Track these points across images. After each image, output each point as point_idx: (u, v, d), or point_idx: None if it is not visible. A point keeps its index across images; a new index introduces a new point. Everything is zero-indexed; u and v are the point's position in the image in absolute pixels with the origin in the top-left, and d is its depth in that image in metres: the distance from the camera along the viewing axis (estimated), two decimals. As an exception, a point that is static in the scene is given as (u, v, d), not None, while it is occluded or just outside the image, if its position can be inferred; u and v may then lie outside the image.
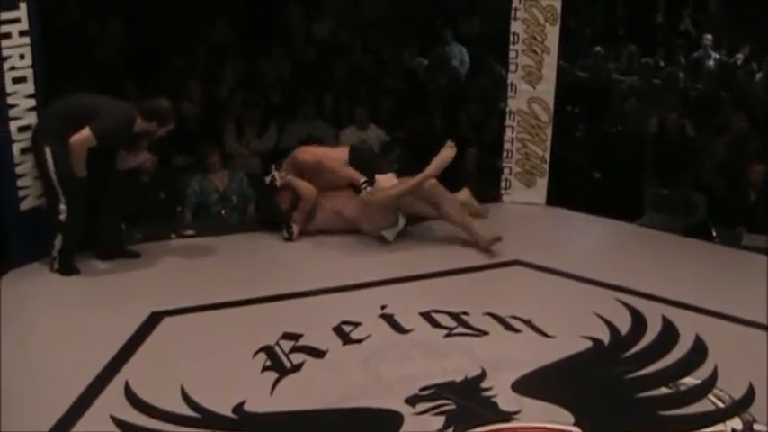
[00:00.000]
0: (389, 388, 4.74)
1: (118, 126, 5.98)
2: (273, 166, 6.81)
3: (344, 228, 6.80)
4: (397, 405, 4.57)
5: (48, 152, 5.88)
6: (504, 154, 7.59)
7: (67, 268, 6.10)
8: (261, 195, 7.12)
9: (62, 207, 5.99)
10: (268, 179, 6.76)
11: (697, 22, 13.52)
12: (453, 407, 4.57)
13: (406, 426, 4.42)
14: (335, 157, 6.83)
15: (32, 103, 6.04)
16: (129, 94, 8.71)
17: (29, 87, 5.99)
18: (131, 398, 4.62)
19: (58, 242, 6.06)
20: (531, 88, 7.40)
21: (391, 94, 9.81)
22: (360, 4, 12.60)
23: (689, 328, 5.40)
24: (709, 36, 12.12)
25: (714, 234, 7.18)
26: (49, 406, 4.52)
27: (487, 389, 4.74)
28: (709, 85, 10.52)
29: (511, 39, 7.38)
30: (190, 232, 6.91)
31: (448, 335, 5.37)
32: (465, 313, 5.59)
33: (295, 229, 6.73)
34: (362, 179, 6.57)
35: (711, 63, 11.76)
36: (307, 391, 4.73)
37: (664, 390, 4.78)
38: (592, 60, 11.56)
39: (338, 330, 5.38)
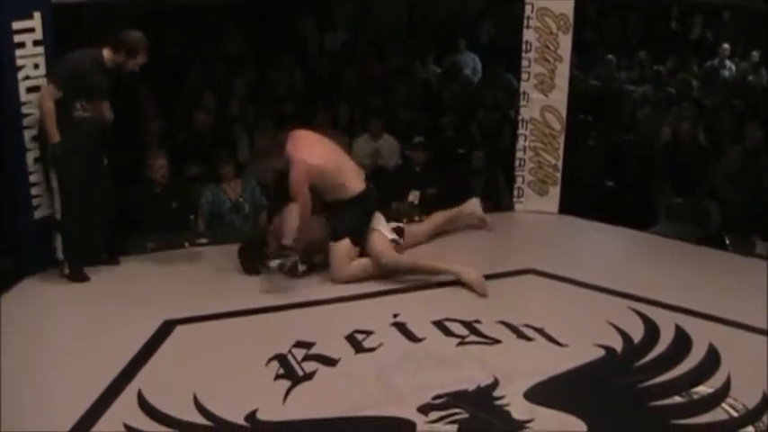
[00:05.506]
0: (402, 396, 4.75)
1: (77, 67, 5.90)
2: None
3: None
4: (410, 414, 4.58)
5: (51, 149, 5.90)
6: (517, 162, 7.57)
7: (77, 274, 6.12)
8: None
9: (57, 204, 6.00)
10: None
11: (712, 28, 13.45)
12: (466, 416, 4.58)
13: (418, 434, 4.43)
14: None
15: (46, 112, 6.06)
16: (144, 105, 8.77)
17: (43, 97, 6.01)
18: (144, 406, 4.64)
19: (58, 242, 6.09)
20: (544, 97, 7.39)
21: (405, 104, 9.81)
22: (372, 13, 12.60)
23: (702, 336, 5.40)
24: (726, 45, 12.05)
25: (727, 242, 7.15)
26: (63, 414, 4.55)
27: (500, 397, 4.75)
28: (724, 94, 10.49)
29: (523, 47, 7.37)
30: (203, 241, 6.93)
31: (460, 343, 5.37)
32: (477, 322, 5.59)
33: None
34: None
35: (726, 72, 11.71)
36: (319, 399, 4.74)
37: (677, 399, 4.78)
38: (604, 69, 11.53)
39: (351, 339, 5.39)
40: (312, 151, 6.20)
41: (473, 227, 7.08)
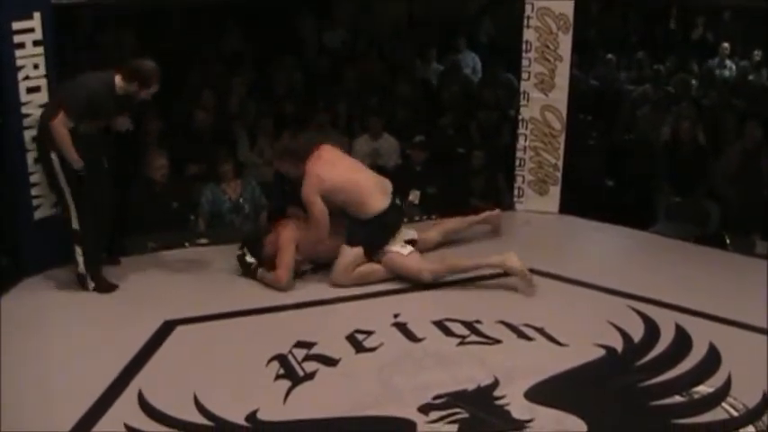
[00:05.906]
0: (402, 397, 4.75)
1: (91, 95, 5.78)
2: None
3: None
4: (410, 414, 4.58)
5: (54, 156, 5.80)
6: (517, 162, 7.57)
7: (103, 284, 6.06)
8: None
9: (73, 214, 5.93)
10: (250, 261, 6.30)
11: (712, 28, 13.45)
12: (466, 416, 4.58)
13: (418, 434, 4.43)
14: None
15: (46, 113, 6.04)
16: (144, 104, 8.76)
17: (42, 97, 6.00)
18: (145, 406, 4.65)
19: (79, 256, 5.99)
20: (544, 96, 7.38)
21: (404, 103, 9.80)
22: (372, 12, 12.59)
23: (702, 336, 5.40)
24: (726, 44, 12.06)
25: (727, 242, 7.15)
26: (64, 414, 4.55)
27: (500, 397, 4.75)
28: (723, 93, 10.49)
29: (523, 47, 7.36)
30: (203, 241, 6.93)
31: (461, 343, 5.37)
32: (478, 321, 5.60)
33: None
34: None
35: (726, 72, 11.72)
36: (320, 399, 4.75)
37: (677, 398, 4.78)
38: (605, 68, 11.53)
39: (351, 339, 5.40)
40: (328, 167, 6.16)
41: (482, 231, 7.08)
